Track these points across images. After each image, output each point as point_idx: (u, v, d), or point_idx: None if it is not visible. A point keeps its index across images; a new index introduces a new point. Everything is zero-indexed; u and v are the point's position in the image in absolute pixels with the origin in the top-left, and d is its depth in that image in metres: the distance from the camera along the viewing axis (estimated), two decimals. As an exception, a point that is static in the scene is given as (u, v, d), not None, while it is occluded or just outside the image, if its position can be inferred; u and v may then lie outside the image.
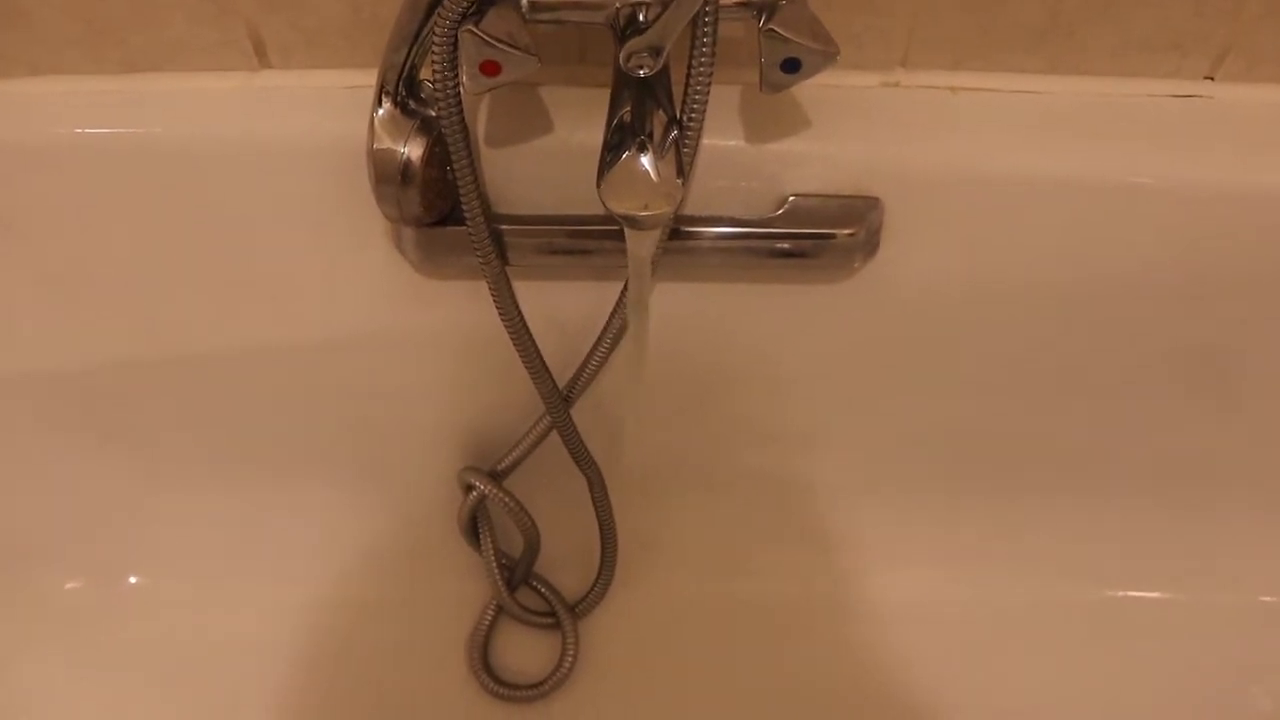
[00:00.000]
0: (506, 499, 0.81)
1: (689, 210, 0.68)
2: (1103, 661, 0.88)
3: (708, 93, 0.56)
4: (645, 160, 0.53)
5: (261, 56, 0.69)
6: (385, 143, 0.61)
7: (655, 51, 0.53)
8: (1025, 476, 0.87)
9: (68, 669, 0.88)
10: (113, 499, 0.88)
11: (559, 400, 0.75)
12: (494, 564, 0.86)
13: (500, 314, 0.68)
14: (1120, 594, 0.91)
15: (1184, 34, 0.67)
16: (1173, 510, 0.88)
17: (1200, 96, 0.69)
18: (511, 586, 0.88)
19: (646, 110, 0.54)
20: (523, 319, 0.69)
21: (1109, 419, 0.83)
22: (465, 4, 0.52)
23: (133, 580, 0.91)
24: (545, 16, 0.57)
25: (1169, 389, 0.80)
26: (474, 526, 0.85)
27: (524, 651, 0.90)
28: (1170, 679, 0.88)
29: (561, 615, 0.89)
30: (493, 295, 0.67)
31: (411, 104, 0.61)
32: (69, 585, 0.90)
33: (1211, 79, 0.70)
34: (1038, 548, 0.91)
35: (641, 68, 0.53)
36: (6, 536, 0.87)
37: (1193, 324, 0.76)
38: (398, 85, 0.60)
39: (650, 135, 0.54)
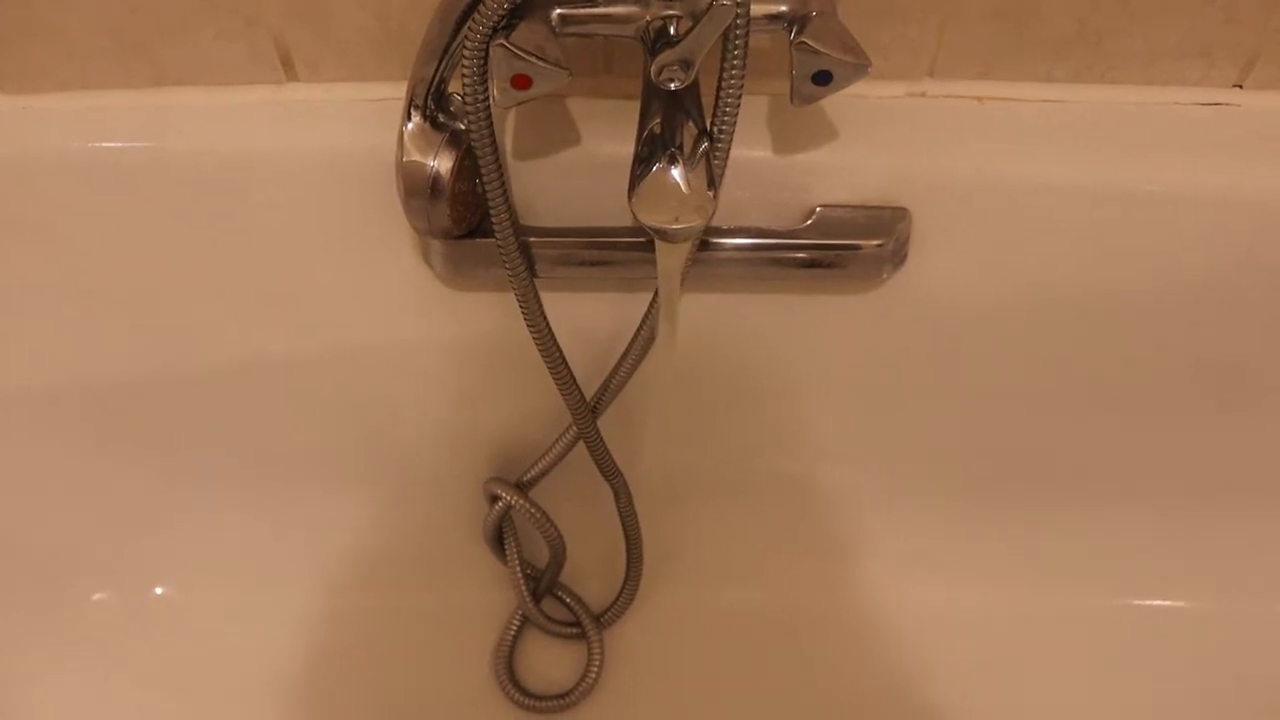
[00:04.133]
0: (532, 509, 0.81)
1: (716, 221, 0.68)
2: (1126, 671, 0.88)
3: (738, 105, 0.55)
4: (676, 173, 0.53)
5: (289, 69, 0.69)
6: (414, 156, 0.61)
7: (686, 65, 0.53)
8: (1048, 486, 0.87)
9: (94, 680, 0.88)
10: (139, 511, 0.89)
11: (586, 411, 0.75)
12: (519, 574, 0.86)
13: (528, 325, 0.68)
14: (1143, 603, 0.90)
15: (1213, 42, 0.66)
16: (1196, 520, 0.87)
17: (1229, 105, 0.69)
18: (537, 597, 0.88)
19: (677, 122, 0.54)
20: (550, 330, 0.69)
21: (1133, 429, 0.82)
22: (496, 18, 0.52)
23: (159, 591, 0.91)
24: (574, 30, 0.57)
25: (1195, 400, 0.79)
26: (499, 537, 0.85)
27: (549, 662, 0.90)
28: (1194, 688, 0.87)
29: (587, 625, 0.89)
30: (520, 307, 0.67)
31: (440, 117, 0.62)
32: (95, 597, 0.91)
33: (1240, 87, 0.69)
34: (1060, 557, 0.90)
35: (672, 81, 0.53)
36: (33, 549, 0.88)
37: (1219, 334, 0.75)
38: (427, 98, 0.60)
39: (681, 147, 0.53)
